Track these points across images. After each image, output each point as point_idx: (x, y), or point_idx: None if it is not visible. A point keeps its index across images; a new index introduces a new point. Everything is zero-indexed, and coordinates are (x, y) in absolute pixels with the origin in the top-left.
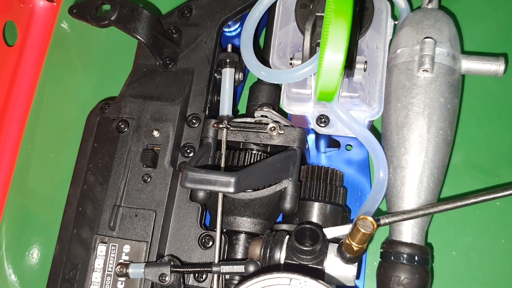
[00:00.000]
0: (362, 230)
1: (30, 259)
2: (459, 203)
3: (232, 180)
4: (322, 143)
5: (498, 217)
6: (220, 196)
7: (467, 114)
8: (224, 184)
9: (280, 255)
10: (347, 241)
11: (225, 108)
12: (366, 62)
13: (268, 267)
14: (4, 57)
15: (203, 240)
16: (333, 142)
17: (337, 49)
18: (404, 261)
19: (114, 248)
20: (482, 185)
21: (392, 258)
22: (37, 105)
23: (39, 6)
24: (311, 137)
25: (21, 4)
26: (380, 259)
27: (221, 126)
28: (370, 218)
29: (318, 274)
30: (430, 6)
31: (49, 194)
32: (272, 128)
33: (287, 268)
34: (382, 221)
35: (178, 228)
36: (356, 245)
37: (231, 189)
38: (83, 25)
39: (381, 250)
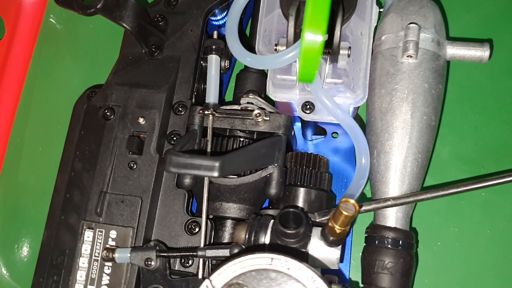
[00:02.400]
0: (345, 213)
1: (20, 252)
2: (443, 192)
3: (216, 164)
4: (309, 131)
5: (483, 208)
6: (206, 181)
7: (452, 105)
8: (208, 168)
9: (265, 239)
10: (330, 224)
11: (211, 95)
12: (350, 48)
13: (253, 247)
14: None
15: (190, 226)
16: (319, 130)
17: (316, 30)
18: (389, 246)
19: (101, 233)
20: (467, 176)
21: (376, 242)
22: (26, 98)
23: (26, 0)
24: (297, 125)
25: None
26: (364, 244)
27: (206, 112)
28: (352, 201)
29: (301, 257)
30: None
31: (39, 187)
32: (258, 114)
33: (271, 250)
34: (364, 208)
35: (165, 214)
36: (339, 228)
37: (215, 173)
38: (71, 18)
39: (366, 235)
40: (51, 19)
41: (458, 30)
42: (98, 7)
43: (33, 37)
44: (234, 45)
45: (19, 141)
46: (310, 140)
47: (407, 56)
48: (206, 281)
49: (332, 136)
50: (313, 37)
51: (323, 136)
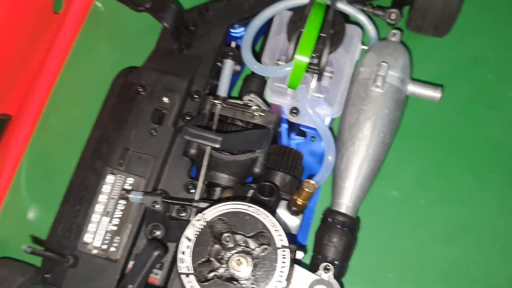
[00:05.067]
0: (306, 189)
1: (47, 184)
2: None
3: (220, 138)
4: (292, 132)
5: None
6: (207, 152)
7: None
8: (213, 141)
9: None
10: (294, 197)
11: (222, 90)
12: (332, 72)
13: (235, 197)
14: (50, 23)
15: (188, 187)
16: (300, 132)
17: (303, 55)
18: (337, 226)
19: (121, 179)
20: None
21: (329, 222)
22: (69, 66)
23: None
24: (284, 126)
25: None
26: (320, 223)
27: (216, 102)
28: (312, 181)
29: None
30: (393, 39)
31: (69, 135)
32: (255, 110)
33: None
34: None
35: (170, 174)
36: (301, 201)
37: (217, 145)
38: (114, 5)
39: (322, 216)
40: (97, 2)
41: (422, 73)
42: (147, 6)
43: (83, 14)
44: (247, 55)
45: (56, 98)
46: (292, 140)
47: (375, 86)
48: (200, 214)
49: (310, 139)
50: (301, 58)
51: (303, 138)
